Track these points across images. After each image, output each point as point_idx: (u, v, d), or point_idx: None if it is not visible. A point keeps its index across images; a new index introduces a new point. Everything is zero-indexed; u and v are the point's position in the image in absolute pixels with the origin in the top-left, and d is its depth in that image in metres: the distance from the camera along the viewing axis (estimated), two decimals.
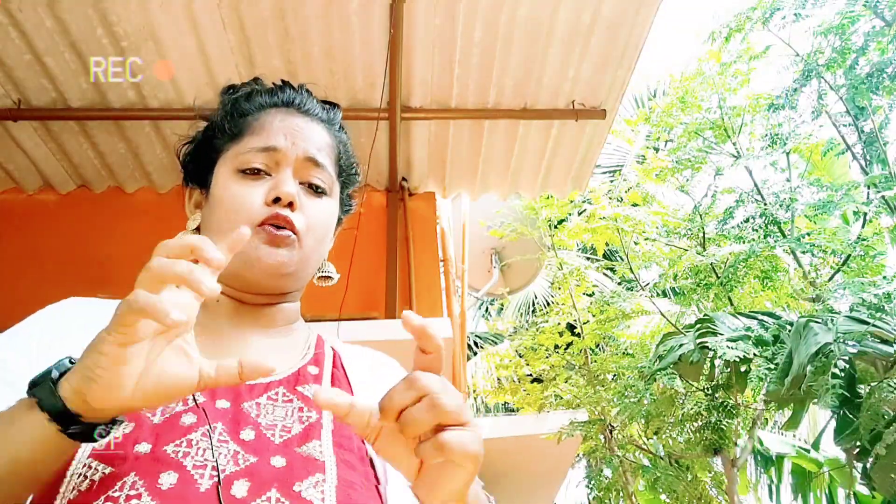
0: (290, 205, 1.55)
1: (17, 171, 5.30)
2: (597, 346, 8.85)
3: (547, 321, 8.81)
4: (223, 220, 1.56)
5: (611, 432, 8.26)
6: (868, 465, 4.45)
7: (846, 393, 4.14)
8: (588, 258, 10.32)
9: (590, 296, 8.95)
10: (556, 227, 8.08)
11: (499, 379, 10.91)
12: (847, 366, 4.32)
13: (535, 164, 5.56)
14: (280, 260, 1.53)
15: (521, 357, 9.63)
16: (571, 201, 7.56)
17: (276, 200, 1.55)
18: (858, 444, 4.34)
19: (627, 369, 7.81)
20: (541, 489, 9.69)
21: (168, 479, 1.22)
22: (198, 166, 1.73)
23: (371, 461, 1.48)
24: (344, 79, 4.78)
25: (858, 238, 5.91)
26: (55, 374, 1.12)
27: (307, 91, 1.81)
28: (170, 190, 5.53)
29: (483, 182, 5.78)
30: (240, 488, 1.26)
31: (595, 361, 8.53)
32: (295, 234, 1.55)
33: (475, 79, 4.87)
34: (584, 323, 8.37)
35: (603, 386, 8.15)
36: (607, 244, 7.96)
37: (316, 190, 1.64)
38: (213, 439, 1.32)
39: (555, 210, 7.81)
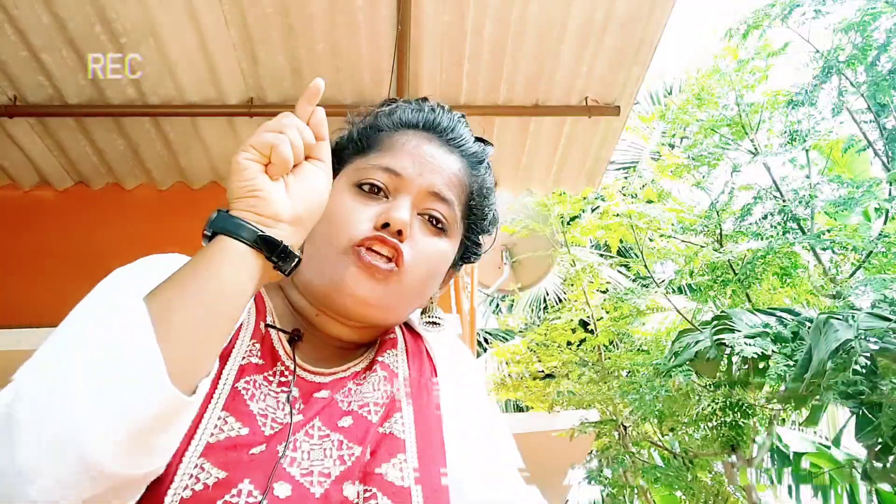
0: (399, 233, 1.44)
1: (13, 167, 5.25)
2: (610, 342, 8.81)
3: (559, 317, 8.77)
4: (327, 234, 1.48)
5: (625, 429, 8.22)
6: (889, 462, 4.42)
7: (867, 390, 4.09)
8: (601, 255, 10.28)
9: (603, 292, 8.91)
10: (568, 223, 8.04)
11: (509, 375, 10.90)
12: (868, 362, 4.26)
13: (548, 161, 5.49)
14: (368, 292, 1.43)
15: (532, 353, 9.59)
16: (584, 198, 7.50)
17: (385, 226, 1.44)
18: (880, 440, 4.31)
19: (642, 366, 7.77)
20: (552, 486, 9.66)
21: (283, 490, 1.22)
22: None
23: (441, 419, 1.50)
24: (350, 76, 4.71)
25: (880, 235, 5.85)
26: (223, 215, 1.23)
27: (460, 119, 1.70)
28: (170, 187, 5.49)
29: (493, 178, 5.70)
30: (350, 490, 1.27)
31: (609, 358, 8.48)
32: (397, 265, 1.44)
33: (485, 75, 4.80)
34: (598, 320, 8.33)
35: (617, 382, 8.11)
36: (621, 241, 7.92)
37: (435, 224, 1.53)
38: (315, 436, 1.34)
39: (567, 207, 7.75)
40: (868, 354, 4.25)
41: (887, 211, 6.03)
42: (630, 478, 9.04)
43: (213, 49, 4.44)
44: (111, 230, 5.34)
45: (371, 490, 1.26)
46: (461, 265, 1.74)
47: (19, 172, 5.30)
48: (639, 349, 8.58)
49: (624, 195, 7.73)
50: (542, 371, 9.57)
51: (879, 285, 5.20)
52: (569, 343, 8.71)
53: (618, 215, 7.28)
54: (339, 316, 1.51)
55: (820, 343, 4.32)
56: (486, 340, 15.70)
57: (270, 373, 1.40)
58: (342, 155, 1.61)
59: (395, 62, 4.49)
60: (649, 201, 7.59)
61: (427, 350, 1.62)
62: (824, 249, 6.09)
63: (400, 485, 1.28)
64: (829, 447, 11.31)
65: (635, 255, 7.93)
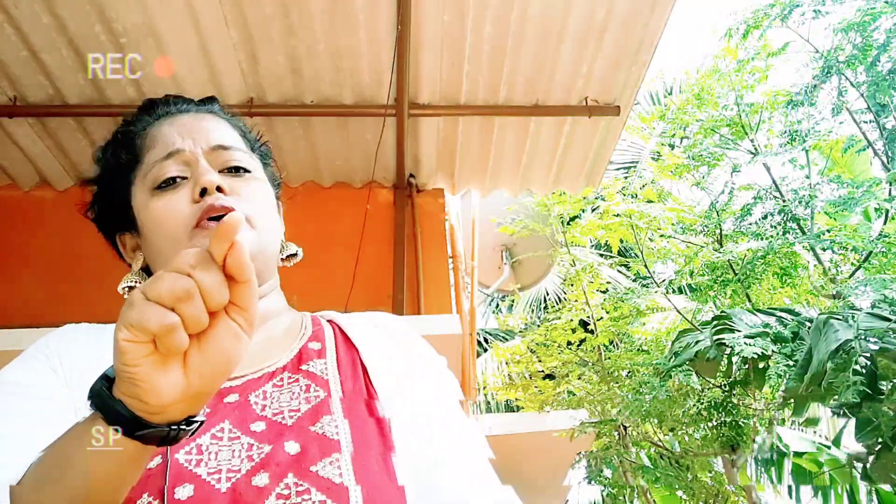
0: (219, 190, 1.46)
1: (12, 167, 5.26)
2: (610, 342, 8.81)
3: (559, 317, 8.78)
4: (159, 241, 1.48)
5: (624, 429, 8.23)
6: (870, 463, 4.44)
7: (867, 390, 4.10)
8: (601, 255, 10.28)
9: (603, 293, 8.92)
10: (568, 223, 8.04)
11: (509, 375, 10.90)
12: (868, 363, 4.27)
13: (548, 161, 5.49)
14: None
15: (532, 353, 9.60)
16: (584, 198, 7.51)
17: (203, 193, 1.45)
18: (880, 440, 4.31)
19: (642, 366, 7.77)
20: (552, 486, 9.66)
21: (184, 492, 1.21)
22: (115, 214, 1.63)
23: (384, 424, 1.45)
24: (350, 75, 4.71)
25: (880, 235, 5.85)
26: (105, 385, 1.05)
27: (175, 95, 1.71)
28: None
29: (493, 179, 5.71)
30: (260, 479, 1.25)
31: (609, 358, 8.49)
32: None
33: (485, 75, 4.80)
34: (598, 320, 8.34)
35: (617, 383, 8.11)
36: (621, 241, 7.93)
37: (237, 171, 1.55)
38: (224, 438, 1.32)
39: (567, 207, 7.76)
40: (868, 355, 4.25)
41: (887, 211, 6.04)
42: (630, 478, 9.05)
43: (212, 49, 4.44)
44: None
45: (304, 485, 1.25)
46: (278, 198, 1.73)
47: (19, 172, 5.30)
48: (639, 349, 8.58)
49: (624, 195, 7.74)
50: (542, 371, 9.58)
51: (879, 285, 5.20)
52: (569, 343, 8.72)
53: (618, 215, 7.29)
54: None
55: (820, 343, 4.33)
56: (486, 340, 15.71)
57: None
58: (116, 184, 1.60)
59: (395, 62, 4.49)
60: (649, 201, 7.60)
61: (350, 339, 1.62)
62: (824, 249, 6.10)
63: (338, 482, 1.27)
64: (829, 447, 11.33)
65: (635, 255, 7.94)
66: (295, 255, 1.67)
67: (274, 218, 1.59)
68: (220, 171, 1.51)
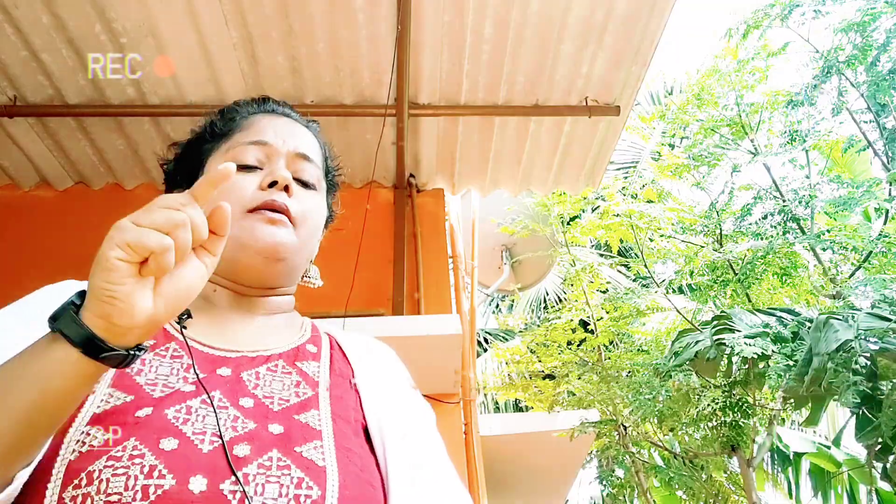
0: (286, 189, 1.59)
1: (12, 167, 5.27)
2: (610, 342, 8.82)
3: (559, 317, 8.78)
4: None
5: (625, 429, 8.22)
6: (889, 463, 4.42)
7: (867, 390, 4.10)
8: (601, 255, 10.28)
9: (603, 293, 8.91)
10: (568, 223, 8.04)
11: (509, 375, 10.90)
12: (868, 363, 4.27)
13: (548, 161, 5.50)
14: (277, 240, 1.56)
15: (532, 353, 9.60)
16: (585, 198, 7.51)
17: (272, 185, 1.58)
18: (880, 441, 4.31)
19: (642, 366, 7.77)
20: (552, 487, 9.66)
21: (169, 444, 1.25)
22: (187, 167, 1.76)
23: (367, 433, 1.53)
24: (350, 75, 4.72)
25: (880, 235, 5.86)
26: (73, 305, 1.13)
27: (289, 105, 1.88)
28: None
29: (493, 179, 5.72)
30: (242, 450, 1.30)
31: (609, 358, 8.48)
32: (290, 219, 1.59)
33: (485, 75, 4.81)
34: (598, 320, 8.34)
35: (617, 383, 8.11)
36: (622, 241, 7.93)
37: (306, 184, 1.68)
38: (213, 406, 1.36)
39: (567, 207, 7.76)
40: (868, 354, 4.25)
41: (887, 211, 6.04)
42: (643, 478, 9.05)
43: (212, 49, 4.45)
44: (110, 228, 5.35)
45: (285, 461, 1.30)
46: (328, 225, 1.87)
47: (19, 172, 5.31)
48: (639, 349, 8.59)
49: (624, 195, 7.74)
50: (542, 371, 9.58)
51: (879, 285, 5.21)
52: (569, 343, 8.72)
53: (618, 215, 7.29)
54: (242, 284, 1.62)
55: (820, 343, 4.33)
56: (485, 340, 15.71)
57: (163, 348, 1.46)
58: (202, 147, 1.75)
59: (395, 62, 4.50)
60: (649, 201, 7.60)
61: (346, 356, 1.70)
62: (824, 249, 6.11)
63: (320, 464, 1.33)
64: (829, 447, 11.33)
65: (635, 255, 7.94)
66: (311, 281, 1.79)
67: (314, 233, 1.70)
68: (293, 177, 1.64)
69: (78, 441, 1.23)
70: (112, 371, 1.34)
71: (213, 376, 1.44)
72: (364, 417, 1.55)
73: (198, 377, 1.40)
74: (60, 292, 1.51)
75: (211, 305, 1.62)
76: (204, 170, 1.69)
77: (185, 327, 1.53)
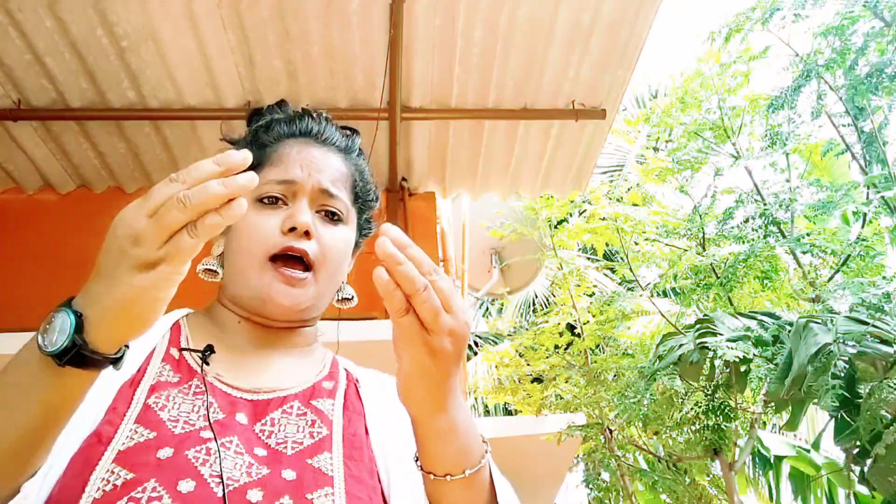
0: (306, 234, 1.60)
1: (16, 171, 5.31)
2: (597, 346, 8.83)
3: (547, 321, 8.80)
4: (243, 248, 1.63)
5: (610, 433, 8.26)
6: (867, 466, 4.45)
7: (846, 393, 4.14)
8: (588, 258, 10.32)
9: (590, 296, 8.93)
10: (556, 227, 8.07)
11: (499, 379, 10.92)
12: (847, 366, 4.32)
13: (536, 164, 5.57)
14: (294, 300, 1.59)
15: (521, 357, 9.62)
16: (572, 201, 7.55)
17: (292, 230, 1.60)
18: (858, 444, 4.34)
19: (627, 370, 7.80)
20: (541, 490, 9.69)
21: (186, 486, 1.29)
22: None
23: (378, 476, 1.55)
24: (344, 79, 4.79)
25: (858, 238, 5.89)
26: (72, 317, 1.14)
27: (326, 119, 1.86)
28: None
29: (483, 182, 5.78)
30: (254, 495, 1.34)
31: (595, 362, 8.51)
32: (309, 264, 1.61)
33: (475, 79, 4.88)
34: (585, 323, 8.36)
35: (603, 386, 8.14)
36: (607, 244, 7.96)
37: (332, 217, 1.70)
38: (231, 450, 1.40)
39: (555, 210, 7.80)
40: (846, 358, 4.29)
41: (865, 214, 6.08)
42: (628, 482, 9.08)
43: (210, 53, 4.52)
44: None
45: None
46: (362, 242, 1.90)
47: (23, 176, 5.38)
48: (624, 352, 8.60)
49: (610, 199, 7.78)
50: (531, 374, 9.60)
51: (857, 289, 5.23)
52: (556, 347, 8.73)
53: (604, 219, 7.33)
54: (267, 320, 1.67)
55: (800, 347, 4.36)
56: (475, 344, 15.71)
57: (185, 386, 1.51)
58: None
59: (388, 65, 4.57)
60: (634, 205, 7.63)
61: (359, 394, 1.74)
62: (804, 253, 6.12)
63: None
64: (808, 451, 11.34)
65: (621, 258, 7.98)
66: (349, 300, 1.81)
67: (339, 268, 1.72)
68: (317, 210, 1.68)
69: (103, 479, 1.27)
70: (138, 406, 1.42)
71: (231, 421, 1.48)
72: (373, 454, 1.59)
73: (212, 429, 1.42)
74: None
75: (234, 336, 1.67)
76: None
77: (207, 363, 1.57)
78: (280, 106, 1.90)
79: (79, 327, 1.13)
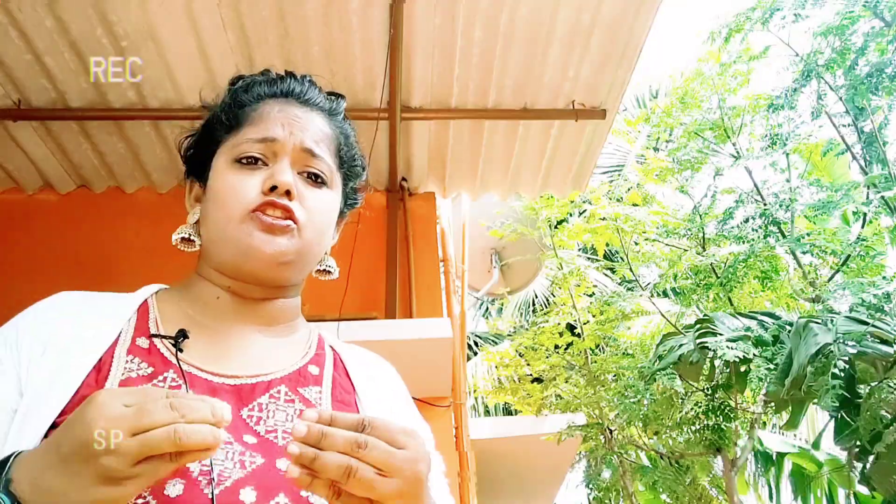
0: (288, 193, 1.54)
1: (16, 171, 5.32)
2: (597, 346, 8.83)
3: (547, 321, 8.80)
4: (219, 210, 1.55)
5: (611, 433, 8.26)
6: (867, 466, 4.45)
7: (846, 393, 4.13)
8: (588, 258, 10.32)
9: (590, 296, 8.93)
10: (556, 227, 8.07)
11: (499, 379, 10.92)
12: (847, 366, 4.31)
13: (536, 164, 5.57)
14: (278, 248, 1.51)
15: (521, 357, 9.62)
16: (572, 201, 7.55)
17: (273, 189, 1.53)
18: (858, 444, 4.34)
19: (627, 370, 7.81)
20: (541, 490, 9.70)
21: (174, 489, 1.23)
22: (197, 159, 1.72)
23: None
24: (344, 79, 4.78)
25: (858, 238, 5.89)
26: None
27: (310, 81, 1.80)
28: (170, 190, 5.54)
29: (483, 182, 5.78)
30: (248, 495, 1.28)
31: (595, 362, 8.52)
32: (294, 222, 1.53)
33: (475, 79, 4.88)
34: (585, 323, 8.37)
35: (603, 386, 8.14)
36: (607, 245, 7.96)
37: (315, 179, 1.63)
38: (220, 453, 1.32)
39: (555, 210, 7.80)
40: (846, 358, 4.29)
41: (865, 214, 6.08)
42: (629, 481, 9.09)
43: (210, 52, 4.51)
44: (113, 233, 5.40)
45: None
46: (347, 212, 1.84)
47: (23, 176, 5.37)
48: (624, 353, 8.59)
49: (610, 199, 7.78)
50: (531, 375, 9.60)
51: (857, 289, 5.22)
52: (556, 347, 8.73)
53: (604, 219, 7.33)
54: (247, 284, 1.58)
55: (800, 347, 4.36)
56: (475, 344, 15.72)
57: (160, 379, 1.42)
58: (212, 136, 1.68)
59: (388, 65, 4.57)
60: (634, 205, 7.63)
61: (349, 375, 1.68)
62: (804, 253, 6.13)
63: None
64: (808, 450, 11.35)
65: (621, 258, 7.98)
66: (329, 272, 1.75)
67: (324, 231, 1.65)
68: (299, 172, 1.61)
69: None
70: None
71: None
72: None
73: None
74: (50, 309, 1.52)
75: (211, 316, 1.58)
76: (212, 165, 1.64)
77: (180, 350, 1.48)
78: (263, 73, 1.83)
79: None
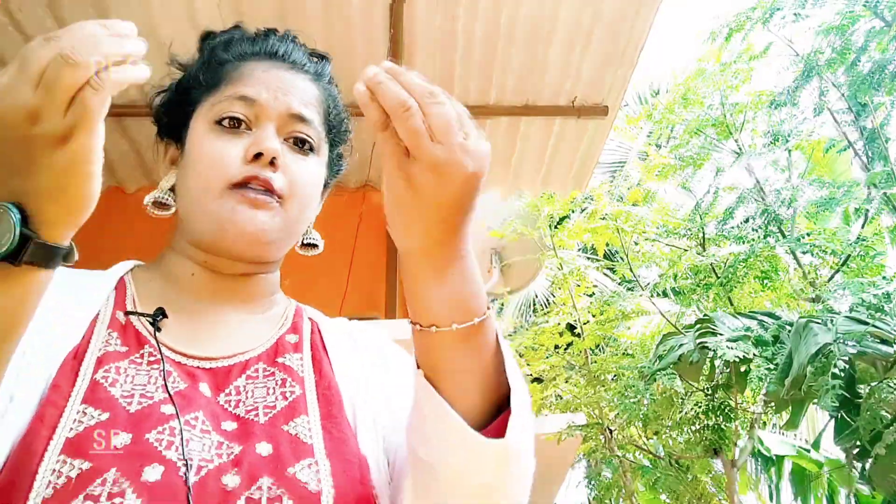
0: (272, 162, 1.46)
1: None
2: (597, 346, 8.82)
3: (547, 321, 8.78)
4: (199, 179, 1.48)
5: (610, 433, 8.25)
6: (867, 465, 4.45)
7: (846, 393, 4.13)
8: (588, 258, 10.30)
9: (590, 296, 8.92)
10: (556, 226, 8.07)
11: None
12: (847, 366, 4.30)
13: (537, 162, 5.58)
14: (260, 226, 1.44)
15: (521, 357, 9.60)
16: (573, 200, 7.56)
17: (257, 157, 1.45)
18: (858, 444, 4.34)
19: (627, 370, 7.80)
20: (541, 489, 9.68)
21: (153, 473, 1.18)
22: (172, 119, 1.64)
23: (353, 432, 1.43)
24: (345, 77, 4.76)
25: (858, 238, 5.89)
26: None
27: (293, 39, 1.73)
28: None
29: (484, 180, 5.76)
30: (231, 480, 1.23)
31: (595, 362, 8.50)
32: (276, 196, 1.46)
33: (476, 77, 4.88)
34: (585, 323, 8.35)
35: (603, 386, 8.13)
36: (607, 244, 7.95)
37: (302, 146, 1.55)
38: (197, 429, 1.28)
39: (556, 208, 7.81)
40: (846, 358, 4.29)
41: (866, 213, 6.07)
42: (629, 479, 9.08)
43: None
44: (112, 233, 5.39)
45: (277, 490, 1.24)
46: (332, 182, 1.77)
47: None
48: (624, 353, 8.58)
49: (611, 197, 7.77)
50: (531, 375, 9.60)
51: (857, 289, 5.22)
52: (556, 347, 8.72)
53: (604, 218, 7.33)
54: (223, 259, 1.52)
55: (800, 347, 4.35)
56: None
57: (137, 355, 1.38)
58: (189, 95, 1.59)
59: None
60: (635, 203, 7.63)
61: (325, 344, 1.60)
62: (804, 253, 6.12)
63: (314, 489, 1.26)
64: (808, 450, 11.34)
65: (621, 258, 7.96)
66: (315, 246, 1.69)
67: (309, 204, 1.57)
68: (285, 139, 1.53)
69: (54, 472, 1.14)
70: (84, 383, 1.29)
71: (195, 392, 1.36)
72: (342, 402, 1.47)
73: (173, 402, 1.30)
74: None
75: (186, 294, 1.53)
76: (190, 127, 1.55)
77: (158, 329, 1.43)
78: (237, 27, 1.76)
79: (24, 221, 0.98)
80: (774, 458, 11.65)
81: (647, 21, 4.59)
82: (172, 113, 1.64)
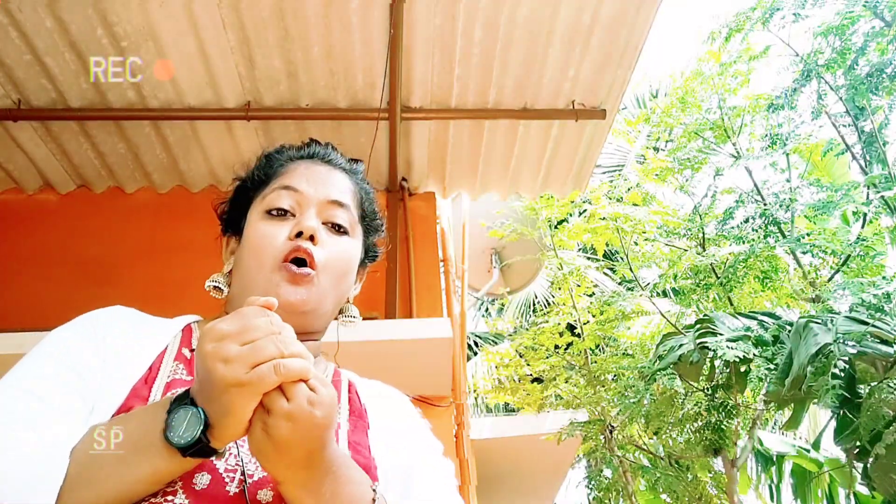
0: (312, 238, 1.66)
1: (17, 171, 5.32)
2: (597, 346, 8.82)
3: (547, 321, 8.78)
4: (251, 258, 1.68)
5: (611, 432, 8.25)
6: (868, 465, 4.44)
7: (846, 393, 4.12)
8: (588, 258, 10.31)
9: (590, 296, 8.92)
10: (556, 227, 8.06)
11: (499, 379, 10.91)
12: (847, 366, 4.31)
13: (536, 164, 5.56)
14: (299, 298, 1.62)
15: (521, 357, 9.60)
16: (572, 201, 7.55)
17: (299, 234, 1.65)
18: (858, 444, 4.33)
19: (627, 370, 7.79)
20: (541, 489, 9.69)
21: (202, 480, 1.36)
22: (232, 216, 1.88)
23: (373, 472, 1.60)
24: (344, 79, 4.79)
25: (858, 238, 5.88)
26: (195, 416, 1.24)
27: (332, 147, 1.94)
28: (169, 190, 5.56)
29: (483, 182, 5.78)
30: (265, 495, 1.40)
31: (595, 362, 8.50)
32: (313, 268, 1.64)
33: (475, 79, 4.88)
34: (585, 323, 8.35)
35: (603, 386, 8.13)
36: (607, 244, 7.94)
37: (338, 229, 1.75)
38: (245, 446, 1.42)
39: (555, 210, 7.79)
40: (846, 358, 4.28)
41: (865, 214, 6.07)
42: (630, 479, 9.07)
43: (211, 53, 4.52)
44: (112, 233, 5.40)
45: None
46: (368, 264, 1.97)
47: (23, 176, 5.39)
48: (624, 353, 8.58)
49: (610, 198, 7.76)
50: (530, 374, 9.59)
51: (857, 289, 5.21)
52: (556, 347, 8.71)
53: (604, 219, 7.32)
54: None
55: (800, 347, 4.34)
56: (475, 344, 15.71)
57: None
58: (246, 194, 1.85)
59: (388, 65, 4.57)
60: (634, 205, 7.62)
61: (359, 399, 1.79)
62: (804, 253, 6.12)
63: None
64: (808, 450, 11.33)
65: (621, 258, 7.96)
66: (353, 319, 1.87)
67: (343, 275, 1.75)
68: (323, 222, 1.74)
69: None
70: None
71: None
72: (372, 458, 1.63)
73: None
74: (112, 317, 1.65)
75: None
76: (247, 219, 1.79)
77: None
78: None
79: (206, 426, 1.22)
80: (774, 457, 11.64)
81: (645, 23, 4.59)
82: (233, 210, 1.90)
